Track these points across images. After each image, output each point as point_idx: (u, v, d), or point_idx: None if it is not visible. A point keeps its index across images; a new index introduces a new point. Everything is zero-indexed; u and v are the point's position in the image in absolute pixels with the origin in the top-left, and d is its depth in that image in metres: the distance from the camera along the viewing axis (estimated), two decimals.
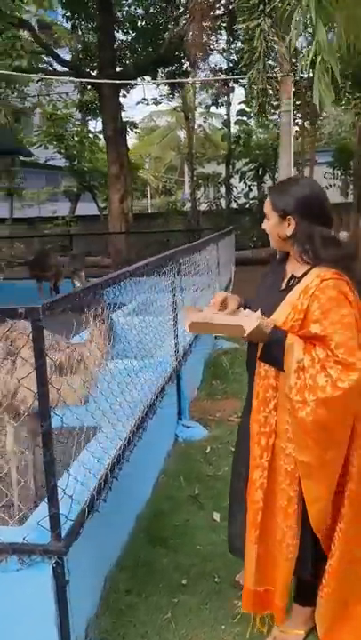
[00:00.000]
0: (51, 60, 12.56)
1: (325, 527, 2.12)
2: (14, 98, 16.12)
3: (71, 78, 12.33)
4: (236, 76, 11.17)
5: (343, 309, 1.94)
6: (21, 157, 19.77)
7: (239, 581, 2.56)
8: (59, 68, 13.20)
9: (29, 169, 24.63)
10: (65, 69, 12.77)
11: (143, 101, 17.07)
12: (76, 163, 19.25)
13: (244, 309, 2.14)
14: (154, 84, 14.20)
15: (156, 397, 3.71)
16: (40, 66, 12.43)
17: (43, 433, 2.02)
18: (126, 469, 2.91)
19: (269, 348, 2.02)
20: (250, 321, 1.97)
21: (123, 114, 18.73)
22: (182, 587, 2.77)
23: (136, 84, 13.58)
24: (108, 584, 2.75)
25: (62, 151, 18.79)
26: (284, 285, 2.14)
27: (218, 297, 2.15)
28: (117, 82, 10.03)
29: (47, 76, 12.32)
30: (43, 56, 11.98)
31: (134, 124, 16.94)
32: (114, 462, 2.72)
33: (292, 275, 2.12)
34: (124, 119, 18.85)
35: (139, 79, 12.63)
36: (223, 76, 12.77)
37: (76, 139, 18.01)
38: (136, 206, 25.25)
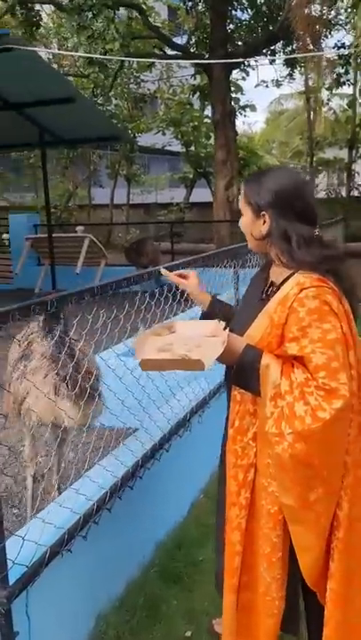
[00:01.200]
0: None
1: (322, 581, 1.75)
2: (132, 84, 16.22)
3: (177, 60, 12.03)
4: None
5: (325, 324, 1.62)
6: (139, 144, 20.01)
7: (216, 629, 2.17)
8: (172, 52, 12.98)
9: (153, 155, 25.03)
10: (176, 52, 12.52)
11: (262, 83, 16.36)
12: (191, 149, 19.05)
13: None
14: (271, 62, 13.46)
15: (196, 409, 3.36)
16: (154, 50, 12.29)
17: None
18: (153, 485, 2.60)
19: (241, 371, 1.72)
20: (213, 348, 1.64)
21: (241, 97, 18.30)
22: None
23: (245, 64, 12.95)
24: (99, 625, 2.45)
25: (178, 137, 18.66)
26: (263, 294, 1.85)
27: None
28: (221, 62, 9.55)
29: (147, 60, 12.09)
30: (156, 40, 11.80)
31: (244, 108, 16.29)
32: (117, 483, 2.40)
33: (272, 282, 1.84)
34: (243, 103, 18.36)
35: (250, 59, 11.99)
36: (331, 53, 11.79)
37: (191, 124, 17.78)
38: None
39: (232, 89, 14.86)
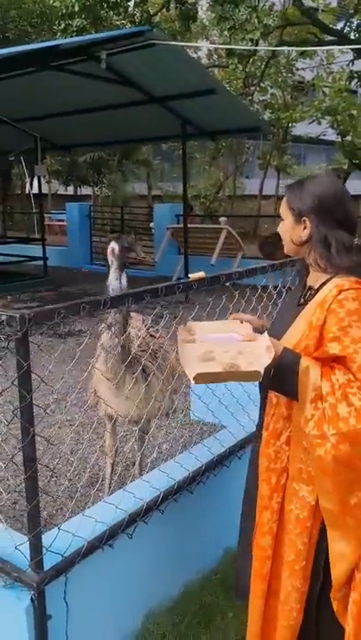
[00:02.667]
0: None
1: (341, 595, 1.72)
2: (287, 73, 15.82)
3: (328, 47, 11.43)
4: None
5: None
6: (292, 133, 19.53)
7: None
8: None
9: (310, 145, 24.32)
10: (332, 38, 11.94)
11: None
12: (347, 138, 18.12)
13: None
14: None
15: None
16: (308, 37, 11.85)
17: (24, 457, 1.82)
18: (230, 486, 2.57)
19: (279, 375, 1.71)
20: (259, 355, 1.64)
21: None
22: None
23: None
24: (146, 623, 2.46)
25: (334, 126, 17.83)
26: (302, 299, 1.86)
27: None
28: None
29: (294, 48, 11.62)
30: (309, 26, 11.36)
31: None
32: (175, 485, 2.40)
33: (310, 286, 1.85)
34: None
35: None
36: None
37: (347, 112, 16.87)
38: None
39: None
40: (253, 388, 2.99)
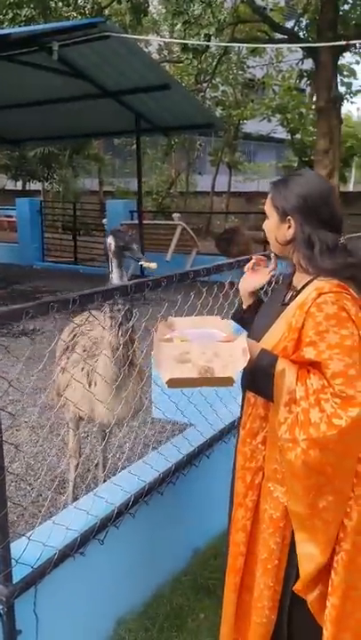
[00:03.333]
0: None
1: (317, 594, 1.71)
2: (238, 70, 15.90)
3: (278, 45, 11.54)
4: None
5: (343, 330, 1.62)
6: (243, 130, 19.69)
7: None
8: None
9: (260, 143, 24.57)
10: (283, 37, 12.05)
11: None
12: (297, 136, 18.42)
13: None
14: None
15: None
16: (259, 35, 11.92)
17: None
18: (196, 488, 2.51)
19: (256, 376, 1.72)
20: (235, 358, 1.63)
21: (355, 82, 17.36)
22: None
23: (357, 47, 12.19)
24: (118, 630, 2.40)
25: (284, 124, 18.09)
26: (285, 299, 1.84)
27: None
28: (325, 45, 9.02)
29: (245, 44, 11.67)
30: (260, 24, 11.42)
31: (355, 94, 15.40)
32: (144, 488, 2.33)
33: (293, 287, 1.83)
34: (356, 88, 17.39)
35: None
36: None
37: (297, 111, 17.15)
38: None
39: (345, 73, 14.15)
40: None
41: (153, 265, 2.58)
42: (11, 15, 10.20)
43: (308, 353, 1.63)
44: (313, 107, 17.57)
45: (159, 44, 20.03)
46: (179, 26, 11.57)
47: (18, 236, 13.99)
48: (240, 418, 1.91)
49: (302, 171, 1.93)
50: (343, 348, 1.60)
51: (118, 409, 2.52)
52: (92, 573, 2.21)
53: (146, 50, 16.60)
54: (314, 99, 18.30)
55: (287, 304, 1.78)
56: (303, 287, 1.75)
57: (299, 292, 1.76)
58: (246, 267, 2.05)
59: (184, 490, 2.69)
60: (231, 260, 2.78)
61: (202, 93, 13.65)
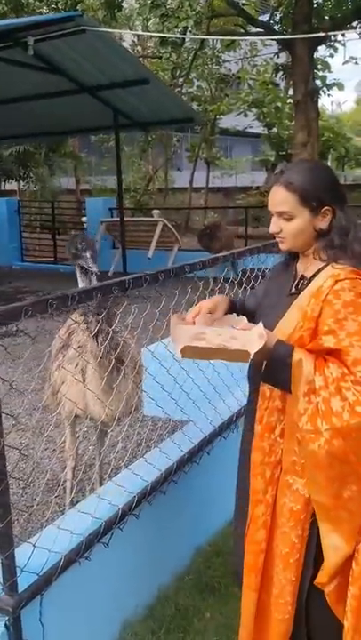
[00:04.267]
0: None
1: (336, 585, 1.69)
2: (214, 65, 15.85)
3: (255, 37, 11.49)
4: None
5: None
6: (220, 125, 19.66)
7: None
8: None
9: (235, 138, 24.58)
10: (259, 30, 12.03)
11: (351, 60, 15.46)
12: (273, 130, 18.45)
13: (235, 313, 1.87)
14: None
15: None
16: (235, 29, 11.88)
17: None
18: (197, 485, 2.45)
19: (273, 367, 1.68)
20: (251, 341, 1.59)
21: (329, 75, 17.43)
22: None
23: (333, 40, 12.23)
24: (124, 633, 2.34)
25: (260, 118, 18.10)
26: (293, 289, 1.80)
27: (205, 304, 1.86)
28: (303, 36, 9.01)
29: (224, 37, 11.61)
30: (236, 17, 11.37)
31: (330, 87, 15.48)
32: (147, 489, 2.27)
33: (302, 275, 1.79)
34: (330, 81, 17.48)
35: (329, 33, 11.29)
36: None
37: (273, 105, 17.17)
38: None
39: (319, 67, 14.17)
40: (217, 379, 2.94)
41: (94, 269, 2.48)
42: None
43: (328, 341, 1.60)
44: (289, 100, 17.66)
45: (133, 40, 19.89)
46: (152, 20, 11.48)
47: None
48: (251, 412, 1.86)
49: (301, 159, 1.88)
50: None
51: (113, 405, 2.46)
52: (97, 577, 2.15)
53: None
54: (290, 92, 18.37)
55: (297, 293, 1.74)
56: (314, 275, 1.71)
57: (309, 280, 1.73)
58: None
59: (185, 487, 2.64)
60: (227, 254, 2.75)
61: (178, 89, 13.55)
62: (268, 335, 1.62)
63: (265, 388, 1.78)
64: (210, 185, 21.42)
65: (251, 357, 1.56)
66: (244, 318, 1.86)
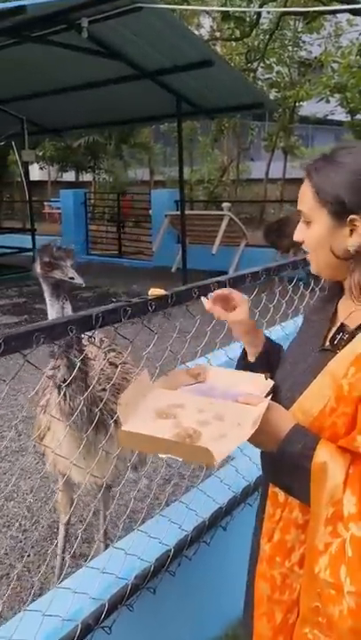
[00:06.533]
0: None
1: None
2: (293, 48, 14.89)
3: (338, 10, 10.42)
4: None
5: None
6: (299, 113, 18.66)
7: None
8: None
9: (318, 125, 23.36)
10: (342, 7, 11.01)
11: None
12: (357, 117, 17.21)
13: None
14: None
15: None
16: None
17: None
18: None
19: (283, 466, 1.12)
20: (238, 429, 1.07)
21: None
22: None
23: None
24: None
25: (343, 104, 16.91)
26: (328, 342, 1.21)
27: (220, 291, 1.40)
28: None
29: (306, 9, 10.62)
30: None
31: None
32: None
33: (342, 324, 1.19)
34: None
35: None
36: None
37: (357, 89, 15.94)
38: None
39: None
40: None
41: (160, 291, 1.91)
42: None
43: None
44: None
45: (211, 26, 19.18)
46: None
47: (62, 228, 13.66)
48: (259, 516, 1.27)
49: (348, 142, 1.23)
50: None
51: (97, 472, 1.88)
52: None
53: (197, 32, 15.89)
54: None
55: (332, 350, 1.17)
56: (359, 327, 1.15)
57: (353, 334, 1.15)
58: (208, 306, 1.40)
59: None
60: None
61: (253, 74, 12.76)
62: (280, 414, 1.12)
63: (275, 490, 1.22)
64: (287, 176, 20.42)
65: (216, 462, 1.00)
66: (261, 377, 1.27)
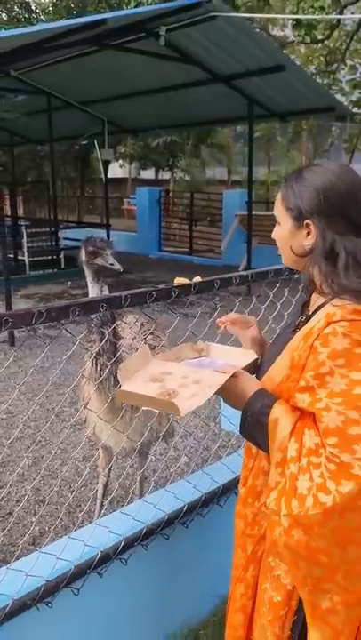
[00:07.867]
0: None
1: None
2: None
3: None
4: None
5: (354, 372, 1.22)
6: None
7: None
8: None
9: None
10: None
11: None
12: None
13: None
14: None
15: None
16: None
17: None
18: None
19: (247, 423, 1.38)
20: (204, 390, 1.35)
21: None
22: None
23: None
24: None
25: None
26: (297, 324, 1.47)
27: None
28: None
29: None
30: None
31: None
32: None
33: (307, 309, 1.46)
34: None
35: None
36: None
37: None
38: None
39: None
40: None
41: (183, 280, 2.22)
42: (134, 4, 10.13)
43: (301, 401, 1.27)
44: None
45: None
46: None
47: (136, 224, 14.18)
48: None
49: (322, 161, 1.47)
50: (348, 398, 1.20)
51: (128, 435, 2.21)
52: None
53: (282, 33, 15.93)
54: None
55: (296, 330, 1.42)
56: (315, 311, 1.38)
57: (309, 317, 1.39)
58: (226, 327, 1.69)
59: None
60: None
61: (333, 75, 12.71)
62: (248, 381, 1.38)
63: (249, 444, 1.48)
64: None
65: (182, 414, 1.28)
66: (251, 353, 1.59)
